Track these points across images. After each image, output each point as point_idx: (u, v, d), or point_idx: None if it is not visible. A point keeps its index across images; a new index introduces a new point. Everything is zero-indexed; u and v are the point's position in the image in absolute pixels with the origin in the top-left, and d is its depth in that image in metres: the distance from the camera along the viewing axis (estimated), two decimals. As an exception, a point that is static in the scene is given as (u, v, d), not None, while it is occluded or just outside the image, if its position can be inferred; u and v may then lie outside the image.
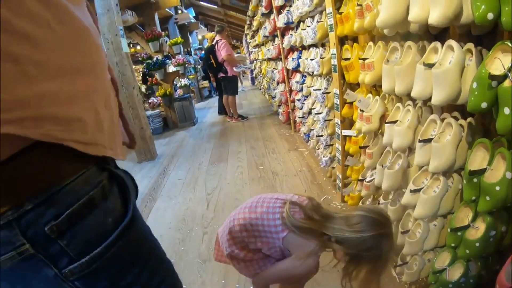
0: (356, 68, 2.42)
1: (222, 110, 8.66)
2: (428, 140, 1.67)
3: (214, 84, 9.25)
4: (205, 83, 12.95)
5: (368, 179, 2.58)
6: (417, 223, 1.92)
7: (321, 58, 3.29)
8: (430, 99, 1.56)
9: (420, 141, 1.70)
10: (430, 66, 1.52)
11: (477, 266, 1.59)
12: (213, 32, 11.10)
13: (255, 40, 9.97)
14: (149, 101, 8.55)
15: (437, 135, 1.62)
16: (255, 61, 12.60)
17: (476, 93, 1.23)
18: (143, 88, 10.23)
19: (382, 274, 1.42)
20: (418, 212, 1.77)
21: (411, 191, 1.82)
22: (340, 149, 3.09)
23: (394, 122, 1.98)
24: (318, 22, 3.23)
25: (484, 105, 1.21)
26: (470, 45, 1.41)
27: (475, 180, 1.39)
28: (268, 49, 7.10)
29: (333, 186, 3.60)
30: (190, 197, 4.05)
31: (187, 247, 2.97)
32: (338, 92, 2.88)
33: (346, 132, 2.96)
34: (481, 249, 1.46)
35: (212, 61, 7.39)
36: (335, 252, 1.49)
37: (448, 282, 1.61)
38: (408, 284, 2.14)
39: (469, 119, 1.60)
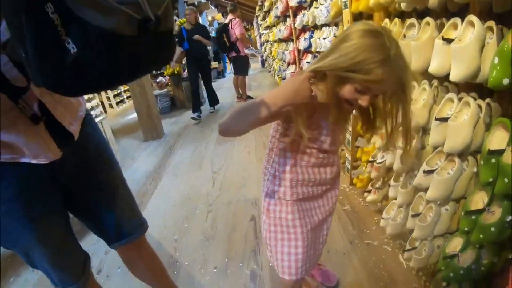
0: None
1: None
2: (444, 119, 1.59)
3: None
4: (214, 64, 12.81)
5: (378, 160, 2.50)
6: (428, 206, 1.85)
7: (334, 36, 3.19)
8: (447, 77, 1.48)
9: (436, 119, 1.63)
10: (449, 41, 1.44)
11: (489, 253, 1.52)
12: (222, 13, 10.89)
13: (266, 21, 9.80)
14: (157, 80, 8.45)
15: (453, 115, 1.55)
16: (265, 43, 12.42)
17: (498, 68, 1.16)
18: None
19: (404, 106, 1.15)
20: (431, 194, 1.70)
21: (424, 171, 1.74)
22: (350, 130, 3.01)
23: None
24: (331, -1, 3.12)
25: (506, 81, 1.15)
26: (491, 23, 1.34)
27: (493, 160, 1.31)
28: (279, 30, 6.98)
29: (341, 168, 3.51)
30: (196, 175, 4.01)
31: (190, 225, 2.94)
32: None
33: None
34: (496, 234, 1.37)
35: (225, 39, 7.25)
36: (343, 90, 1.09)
37: (459, 268, 1.54)
38: (415, 271, 2.08)
39: (487, 100, 1.52)
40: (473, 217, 1.47)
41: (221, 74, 13.51)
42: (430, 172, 1.71)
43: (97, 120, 3.97)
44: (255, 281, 2.18)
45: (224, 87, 10.45)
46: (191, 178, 3.92)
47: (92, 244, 2.66)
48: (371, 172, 2.61)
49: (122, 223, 1.43)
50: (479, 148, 1.52)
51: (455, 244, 1.64)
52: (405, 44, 1.76)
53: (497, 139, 1.36)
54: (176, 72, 7.92)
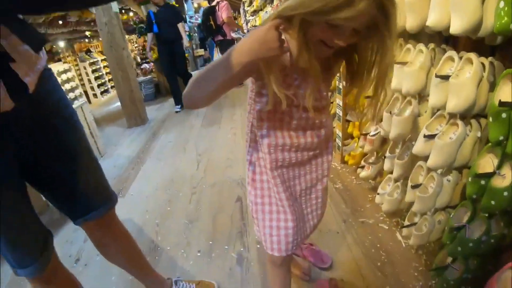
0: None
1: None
2: (445, 77, 1.44)
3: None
4: (201, 51, 12.53)
5: (372, 133, 2.35)
6: (429, 176, 1.70)
7: None
8: (445, 39, 1.43)
9: (436, 76, 1.47)
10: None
11: (499, 224, 1.37)
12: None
13: (253, 5, 9.58)
14: (141, 67, 8.22)
15: (455, 73, 1.43)
16: (252, 29, 12.20)
17: (505, 11, 1.07)
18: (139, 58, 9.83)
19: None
20: (432, 162, 1.54)
21: (425, 136, 1.59)
22: (341, 104, 2.85)
23: (405, 63, 1.73)
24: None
25: (514, 26, 1.03)
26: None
27: (503, 115, 1.17)
28: (266, 12, 6.79)
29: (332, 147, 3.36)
30: (180, 158, 3.85)
31: (173, 208, 2.77)
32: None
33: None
34: (508, 199, 1.21)
35: (211, 22, 7.00)
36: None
37: (467, 241, 1.38)
38: (415, 249, 1.94)
39: (490, 58, 1.37)
40: (482, 181, 1.31)
41: (207, 61, 13.21)
42: (431, 137, 1.56)
43: (77, 104, 3.77)
44: (241, 263, 2.02)
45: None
46: (175, 162, 3.75)
47: (72, 232, 2.52)
48: (364, 146, 2.45)
49: (87, 195, 1.26)
50: (483, 111, 1.39)
51: (461, 215, 1.50)
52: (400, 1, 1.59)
53: (506, 93, 1.21)
54: (160, 58, 7.69)
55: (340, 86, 2.78)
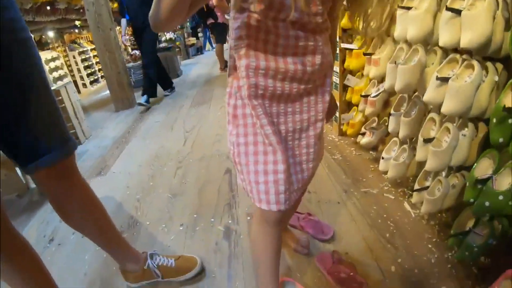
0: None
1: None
2: (457, 11, 1.27)
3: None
4: (192, 40, 12.22)
5: (373, 94, 2.11)
6: (444, 128, 1.49)
7: None
8: None
9: (447, 9, 1.29)
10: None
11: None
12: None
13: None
14: (131, 53, 7.95)
15: (466, 7, 1.26)
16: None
17: None
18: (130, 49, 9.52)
19: None
20: (447, 107, 1.34)
21: (437, 79, 1.38)
22: (337, 71, 2.62)
23: (409, 8, 1.54)
24: None
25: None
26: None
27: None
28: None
29: (329, 122, 3.14)
30: (167, 136, 3.61)
31: (156, 183, 2.54)
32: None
33: (345, 45, 2.47)
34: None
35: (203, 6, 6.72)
36: None
37: (496, 193, 1.14)
38: (426, 219, 1.72)
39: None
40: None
41: (199, 50, 12.89)
42: (445, 80, 1.36)
43: (60, 84, 3.54)
44: (229, 237, 1.78)
45: (202, 62, 9.89)
46: (161, 139, 3.51)
47: (49, 213, 2.30)
48: (365, 110, 2.21)
49: (37, 134, 1.03)
50: (499, 53, 1.23)
51: (484, 167, 1.27)
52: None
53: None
54: (151, 43, 7.42)
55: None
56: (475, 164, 1.28)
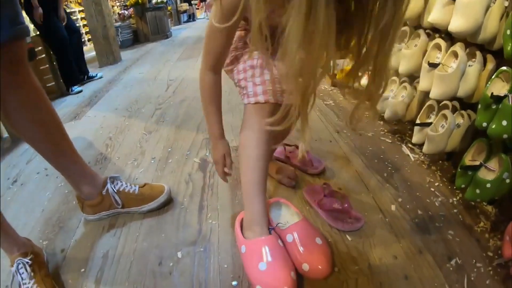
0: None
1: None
2: None
3: None
4: (185, 6, 11.84)
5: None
6: (449, 54, 1.31)
7: None
8: None
9: None
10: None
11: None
12: None
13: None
14: (119, 12, 7.65)
15: None
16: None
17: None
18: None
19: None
20: (455, 25, 1.19)
21: None
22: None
23: None
24: None
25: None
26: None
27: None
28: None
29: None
30: (149, 84, 3.40)
31: (132, 123, 2.34)
32: None
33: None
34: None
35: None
36: None
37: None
38: (426, 164, 1.53)
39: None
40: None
41: (192, 17, 12.52)
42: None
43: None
44: (205, 169, 1.60)
45: (194, 27, 9.63)
46: (143, 87, 3.31)
47: (16, 157, 2.11)
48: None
49: None
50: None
51: (498, 86, 1.10)
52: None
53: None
54: (140, 1, 7.13)
55: None
56: (489, 83, 1.09)
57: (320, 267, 0.97)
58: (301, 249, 1.00)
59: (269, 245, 0.99)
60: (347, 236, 1.12)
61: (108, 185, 1.29)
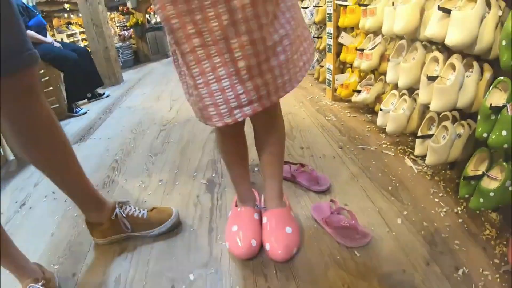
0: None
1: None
2: (447, 10, 1.26)
3: None
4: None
5: (370, 47, 1.96)
6: (447, 66, 1.35)
7: (314, 6, 2.93)
8: None
9: (439, 9, 1.28)
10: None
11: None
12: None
13: None
14: (120, 33, 7.74)
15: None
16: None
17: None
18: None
19: None
20: (451, 37, 1.23)
21: (439, 9, 1.28)
22: (331, 32, 2.46)
23: None
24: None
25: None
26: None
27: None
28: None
29: (321, 89, 3.03)
30: (152, 105, 3.43)
31: (137, 144, 2.37)
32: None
33: (339, 1, 2.31)
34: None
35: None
36: None
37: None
38: (429, 175, 1.56)
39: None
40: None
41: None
42: (447, 11, 1.25)
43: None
44: (212, 190, 1.62)
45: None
46: (146, 108, 3.35)
47: (23, 180, 2.12)
48: (361, 64, 2.05)
49: None
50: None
51: (497, 96, 1.13)
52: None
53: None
54: (140, 22, 7.23)
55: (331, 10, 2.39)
56: (488, 92, 1.12)
57: (279, 251, 1.12)
58: (268, 230, 1.19)
59: (245, 214, 1.26)
60: (356, 252, 1.14)
61: (117, 210, 1.31)
